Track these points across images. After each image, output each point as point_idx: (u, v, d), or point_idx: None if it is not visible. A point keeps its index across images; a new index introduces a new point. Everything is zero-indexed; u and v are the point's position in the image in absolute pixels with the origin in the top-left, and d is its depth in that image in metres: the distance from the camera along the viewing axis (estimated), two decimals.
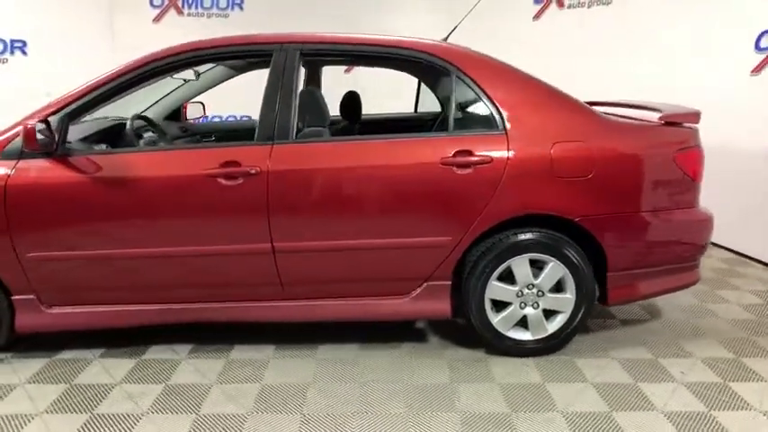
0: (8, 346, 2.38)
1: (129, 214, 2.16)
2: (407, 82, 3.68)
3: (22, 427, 1.92)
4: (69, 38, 5.55)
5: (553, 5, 5.31)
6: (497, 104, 2.23)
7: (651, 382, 2.23)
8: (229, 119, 6.37)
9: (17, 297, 2.24)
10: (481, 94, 2.25)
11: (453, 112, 2.26)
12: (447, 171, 2.17)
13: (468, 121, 2.31)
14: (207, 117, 3.92)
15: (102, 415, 2.00)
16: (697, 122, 2.39)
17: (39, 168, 2.12)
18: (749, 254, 3.75)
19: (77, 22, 5.63)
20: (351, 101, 3.17)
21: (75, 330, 2.39)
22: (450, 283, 2.33)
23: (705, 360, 2.41)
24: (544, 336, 2.38)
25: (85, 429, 1.91)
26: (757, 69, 3.62)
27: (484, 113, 2.26)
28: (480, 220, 2.21)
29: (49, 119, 2.09)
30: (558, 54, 5.05)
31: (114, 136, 2.62)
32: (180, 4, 6.00)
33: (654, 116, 2.40)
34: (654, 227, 2.32)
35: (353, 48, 2.31)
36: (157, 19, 5.98)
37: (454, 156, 2.17)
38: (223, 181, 2.13)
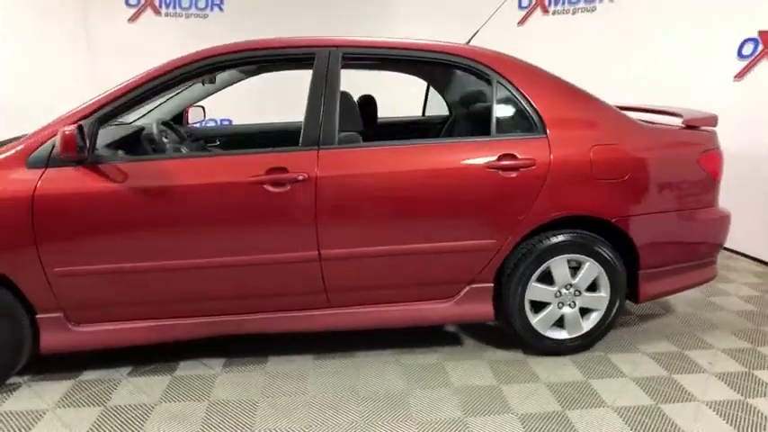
0: (21, 370, 2.21)
1: (168, 224, 2.05)
2: (400, 85, 3.66)
3: None
4: (41, 37, 5.24)
5: (538, 11, 5.46)
6: (538, 109, 2.28)
7: (684, 374, 2.33)
8: (209, 123, 6.19)
9: (42, 315, 2.09)
10: (522, 99, 2.29)
11: (495, 117, 2.28)
12: (492, 175, 2.19)
13: (510, 126, 2.34)
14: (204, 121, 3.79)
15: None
16: (715, 126, 2.52)
17: (69, 177, 1.99)
18: (735, 248, 3.99)
19: (49, 20, 5.32)
20: (367, 104, 3.14)
21: (96, 350, 2.24)
22: (492, 285, 2.35)
23: (725, 351, 2.54)
24: (580, 334, 2.44)
25: None
26: (740, 75, 3.85)
27: (525, 118, 2.30)
28: (524, 222, 2.24)
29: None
30: (542, 59, 5.14)
31: (131, 142, 2.48)
32: (157, 4, 5.78)
33: (671, 120, 2.52)
34: (681, 226, 2.43)
35: (396, 52, 2.29)
36: (133, 19, 5.73)
37: (499, 159, 2.20)
38: (270, 188, 2.06)
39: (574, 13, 5.19)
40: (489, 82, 2.32)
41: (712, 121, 2.51)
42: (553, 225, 2.32)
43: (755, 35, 3.72)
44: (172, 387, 2.20)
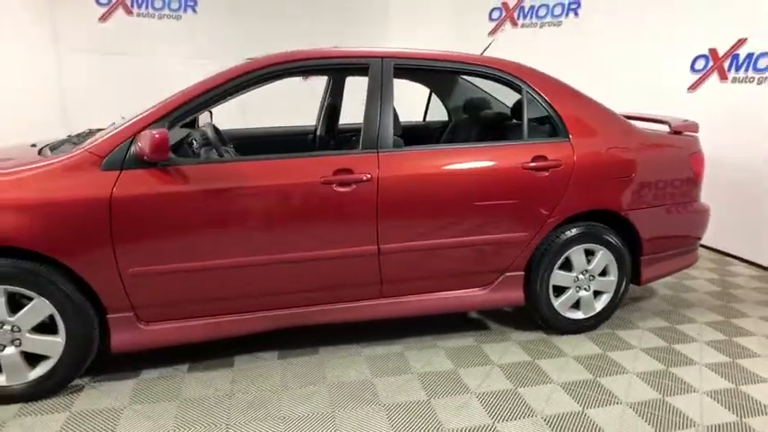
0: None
1: (239, 223, 2.16)
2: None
3: None
4: (3, 35, 4.97)
5: (507, 24, 5.88)
6: (561, 115, 2.59)
7: (682, 344, 2.73)
8: None
9: (113, 315, 2.12)
10: (547, 106, 2.59)
11: (526, 122, 2.57)
12: (527, 174, 2.48)
13: (538, 130, 2.63)
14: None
15: (241, 424, 2.00)
16: (697, 131, 2.95)
17: (144, 179, 2.04)
18: None
19: (12, 18, 5.05)
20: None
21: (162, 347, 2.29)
22: (523, 273, 2.63)
23: (708, 323, 2.98)
24: (594, 314, 2.78)
25: None
26: (693, 87, 4.41)
27: (550, 123, 2.60)
28: (553, 216, 2.54)
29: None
30: None
31: (181, 144, 2.53)
32: (129, 3, 5.63)
33: (658, 126, 2.93)
34: (674, 217, 2.84)
35: (440, 63, 2.52)
36: (104, 18, 5.55)
37: (532, 161, 2.49)
38: (337, 188, 2.22)
39: (541, 26, 5.64)
40: (519, 91, 2.60)
41: (695, 127, 2.94)
42: (571, 218, 2.63)
43: (706, 52, 4.29)
44: (238, 378, 2.30)
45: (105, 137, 2.07)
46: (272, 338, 2.55)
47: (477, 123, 3.25)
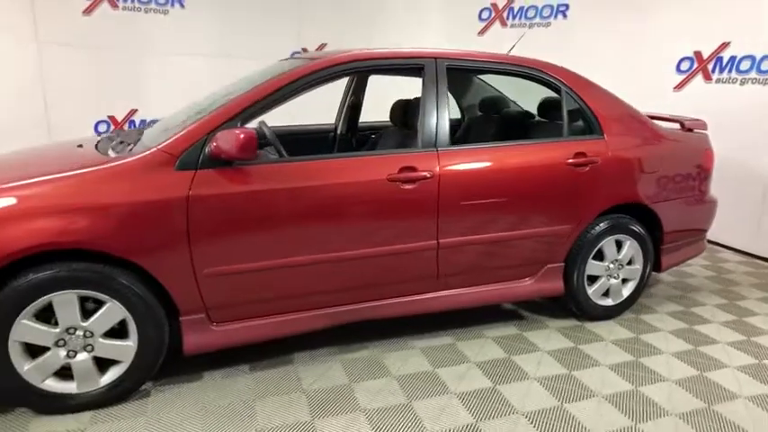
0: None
1: (312, 221, 2.17)
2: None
3: None
4: None
5: (497, 24, 6.06)
6: (596, 114, 2.74)
7: (701, 325, 2.96)
8: None
9: (186, 317, 2.10)
10: (584, 106, 2.74)
11: (566, 121, 2.70)
12: (570, 170, 2.62)
13: (577, 128, 2.78)
14: None
15: (325, 418, 2.03)
16: (706, 129, 3.19)
17: (220, 179, 2.03)
18: None
19: None
20: (409, 108, 3.40)
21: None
22: (563, 264, 2.78)
23: (717, 306, 3.24)
24: (621, 300, 2.97)
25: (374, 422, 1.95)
26: (679, 87, 4.72)
27: (587, 121, 2.75)
28: (592, 209, 2.70)
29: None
30: None
31: None
32: None
33: (668, 124, 3.15)
34: (690, 209, 3.06)
35: (487, 64, 2.61)
36: (88, 11, 5.31)
37: (575, 157, 2.63)
38: (402, 185, 2.28)
39: (530, 27, 5.85)
40: (558, 91, 2.73)
41: (704, 125, 3.18)
42: (605, 211, 2.79)
43: (692, 54, 4.60)
44: (303, 377, 2.32)
45: (177, 136, 2.04)
46: (312, 337, 2.58)
47: (493, 121, 3.37)
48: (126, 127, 5.73)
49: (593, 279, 2.88)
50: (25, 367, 1.91)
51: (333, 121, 3.74)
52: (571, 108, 2.74)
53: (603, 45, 5.21)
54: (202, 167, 2.02)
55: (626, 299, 2.98)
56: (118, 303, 1.95)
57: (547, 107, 3.02)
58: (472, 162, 2.45)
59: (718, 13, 4.37)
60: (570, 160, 2.62)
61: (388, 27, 6.32)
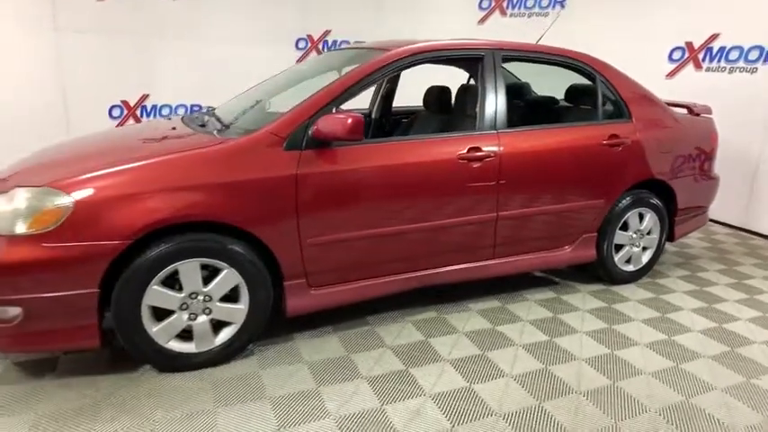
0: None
1: (398, 195, 2.44)
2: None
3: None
4: (3, 15, 4.65)
5: (496, 13, 6.35)
6: (625, 100, 3.08)
7: (709, 287, 3.38)
8: (179, 107, 6.03)
9: (290, 282, 2.33)
10: (615, 93, 3.07)
11: (601, 106, 3.03)
12: (606, 149, 2.95)
13: (610, 112, 3.11)
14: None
15: (482, 358, 2.32)
16: (711, 114, 3.59)
17: (321, 157, 2.26)
18: None
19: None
20: (443, 94, 3.67)
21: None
22: (596, 234, 3.13)
23: (718, 271, 3.68)
24: (641, 266, 3.35)
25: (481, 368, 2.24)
26: (671, 75, 5.14)
27: (617, 107, 3.09)
28: (622, 185, 3.05)
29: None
30: None
31: None
32: None
33: (676, 109, 3.53)
34: (699, 184, 3.46)
35: (535, 55, 2.92)
36: None
37: (609, 138, 2.96)
38: (471, 163, 2.56)
39: (529, 16, 6.17)
40: (594, 80, 3.05)
41: (709, 110, 3.57)
42: (632, 187, 3.14)
43: (683, 45, 5.02)
44: (383, 336, 2.59)
45: (282, 119, 2.25)
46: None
47: (518, 106, 3.68)
48: (138, 113, 5.79)
49: (618, 247, 3.25)
50: (153, 329, 2.11)
51: (365, 106, 3.98)
52: (605, 94, 3.06)
53: (600, 35, 5.57)
54: (306, 148, 2.25)
55: (645, 265, 3.36)
56: (234, 270, 2.17)
57: (574, 93, 3.33)
58: (527, 143, 2.75)
59: (709, 6, 4.79)
60: (605, 141, 2.95)
61: (391, 14, 6.51)
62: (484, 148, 2.60)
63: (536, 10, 6.12)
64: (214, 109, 2.98)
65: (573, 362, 2.42)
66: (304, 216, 2.24)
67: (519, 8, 6.23)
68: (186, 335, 2.20)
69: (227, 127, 2.44)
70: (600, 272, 3.27)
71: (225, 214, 2.09)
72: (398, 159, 2.43)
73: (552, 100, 3.68)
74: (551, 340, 2.61)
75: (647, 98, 3.22)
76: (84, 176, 1.97)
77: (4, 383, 2.12)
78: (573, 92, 3.33)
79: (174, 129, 2.54)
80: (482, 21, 6.44)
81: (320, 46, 6.67)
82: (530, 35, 6.01)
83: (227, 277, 2.18)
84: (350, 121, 2.15)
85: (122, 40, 5.46)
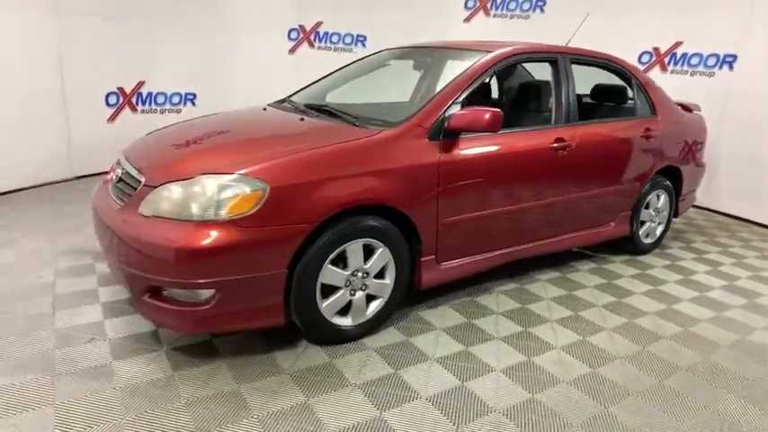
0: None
1: (511, 178, 2.82)
2: None
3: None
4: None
5: (481, 13, 6.82)
6: (652, 98, 3.66)
7: (706, 254, 4.09)
8: (174, 95, 5.89)
9: (424, 258, 2.60)
10: (645, 92, 3.64)
11: (638, 104, 3.58)
12: (643, 141, 3.50)
13: (641, 109, 3.66)
14: None
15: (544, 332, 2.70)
16: (700, 110, 4.30)
17: (456, 146, 2.56)
18: None
19: None
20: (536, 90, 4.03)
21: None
22: (630, 213, 3.68)
23: (705, 242, 4.42)
24: (655, 240, 3.99)
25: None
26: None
27: (647, 104, 3.66)
28: (651, 170, 3.63)
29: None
30: None
31: None
32: None
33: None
34: (695, 170, 4.15)
35: (592, 59, 3.40)
36: None
37: (645, 131, 3.52)
38: (557, 151, 2.97)
39: (511, 18, 6.70)
40: (629, 81, 3.59)
41: (698, 107, 4.29)
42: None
43: (651, 50, 5.79)
44: (502, 302, 2.94)
45: (423, 112, 2.52)
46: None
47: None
48: (133, 100, 5.58)
49: (641, 223, 3.85)
50: (323, 305, 2.30)
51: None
52: (639, 93, 3.62)
53: (576, 38, 6.21)
54: (444, 138, 2.53)
55: (658, 237, 4.00)
56: (387, 249, 2.41)
57: (600, 92, 3.86)
58: (593, 134, 3.22)
59: (674, 17, 5.58)
60: (642, 134, 3.51)
61: (381, 8, 6.74)
62: (566, 139, 3.03)
63: (518, 12, 6.66)
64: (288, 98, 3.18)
65: (602, 332, 2.78)
66: (443, 199, 2.53)
67: (502, 9, 6.74)
68: (341, 310, 2.41)
69: (356, 119, 2.64)
70: (626, 245, 3.85)
71: (391, 198, 2.33)
72: (510, 148, 2.78)
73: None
74: (577, 314, 2.99)
75: (666, 98, 3.83)
76: (272, 162, 2.12)
77: (178, 369, 2.20)
78: (600, 91, 3.86)
79: (302, 120, 2.69)
80: (467, 19, 6.88)
81: (311, 37, 6.76)
82: (511, 37, 6.59)
83: (382, 255, 2.41)
84: (486, 116, 2.46)
85: (120, 27, 5.25)
